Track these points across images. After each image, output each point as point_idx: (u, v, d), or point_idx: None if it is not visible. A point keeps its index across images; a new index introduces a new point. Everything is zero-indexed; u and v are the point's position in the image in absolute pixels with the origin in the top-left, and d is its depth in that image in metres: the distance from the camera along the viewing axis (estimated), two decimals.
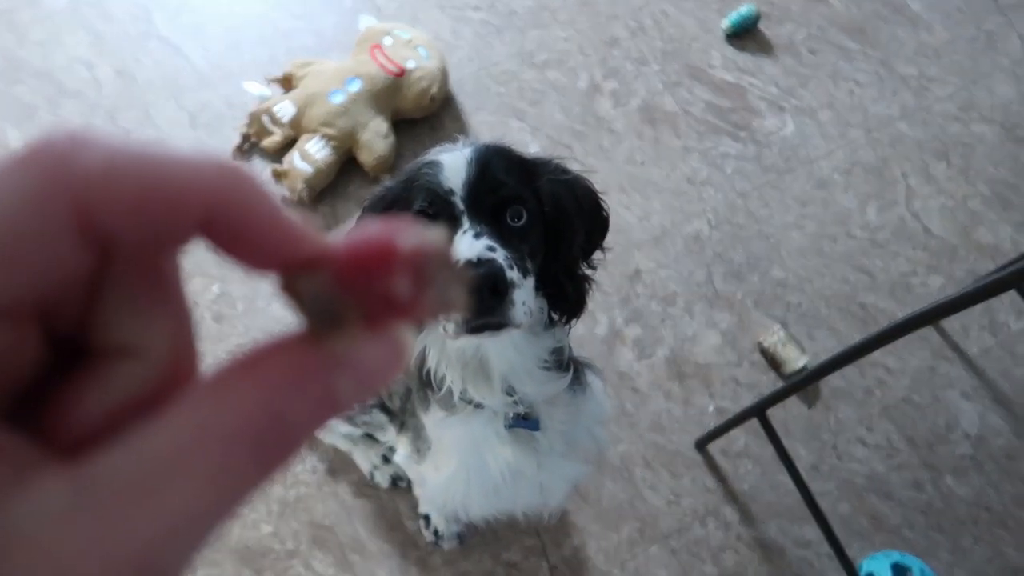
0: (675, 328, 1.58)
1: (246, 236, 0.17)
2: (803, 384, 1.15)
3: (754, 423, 1.32)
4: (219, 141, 1.79)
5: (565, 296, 0.92)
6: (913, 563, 1.29)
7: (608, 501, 1.42)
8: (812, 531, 1.37)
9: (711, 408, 1.50)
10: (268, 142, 1.71)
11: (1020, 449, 1.46)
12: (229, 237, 0.17)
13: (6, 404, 0.16)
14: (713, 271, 1.65)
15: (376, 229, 0.17)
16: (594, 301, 1.58)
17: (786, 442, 1.43)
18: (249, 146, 1.77)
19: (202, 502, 0.15)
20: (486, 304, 0.75)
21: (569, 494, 1.19)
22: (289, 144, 1.71)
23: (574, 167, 0.92)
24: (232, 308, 1.60)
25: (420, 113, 1.75)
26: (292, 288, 0.18)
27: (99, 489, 0.14)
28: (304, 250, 0.18)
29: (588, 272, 0.95)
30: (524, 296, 0.79)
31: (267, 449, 0.16)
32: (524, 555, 1.38)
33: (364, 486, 1.43)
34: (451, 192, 0.81)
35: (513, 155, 0.87)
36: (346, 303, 0.17)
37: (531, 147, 1.78)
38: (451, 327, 0.78)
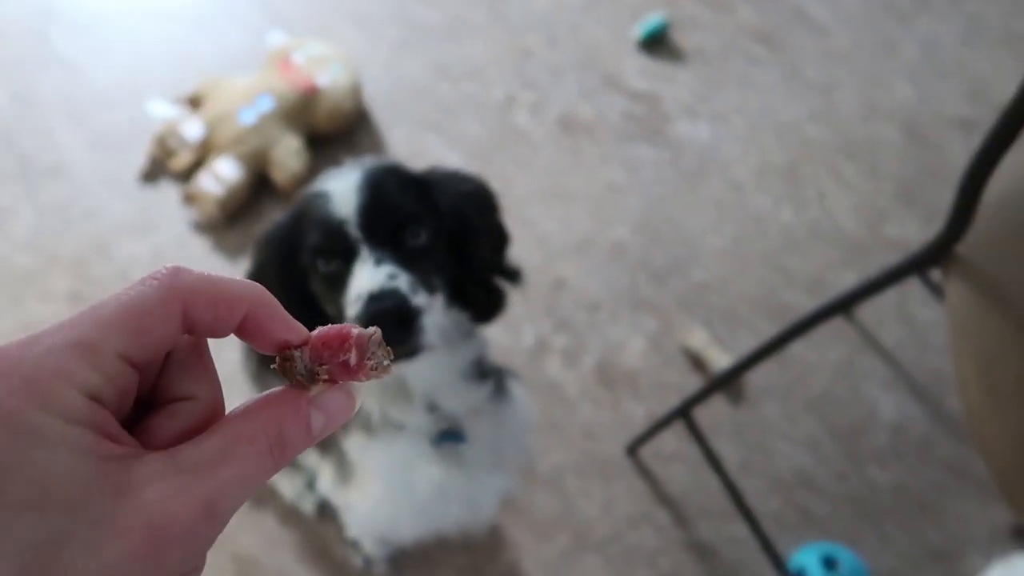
0: (601, 335, 1.58)
1: (263, 331, 0.28)
2: (725, 381, 1.16)
3: (684, 426, 1.33)
4: (124, 164, 1.72)
5: (479, 304, 0.91)
6: (841, 553, 1.31)
7: (541, 513, 1.40)
8: (743, 529, 1.38)
9: (640, 413, 1.50)
10: (176, 163, 1.65)
11: (936, 435, 1.50)
12: (252, 332, 0.28)
13: (123, 418, 0.26)
14: (636, 277, 1.66)
15: (337, 327, 0.28)
16: (519, 312, 1.57)
17: (715, 442, 1.44)
18: (156, 168, 1.71)
19: (241, 474, 0.25)
20: (395, 337, 0.73)
21: (499, 507, 1.17)
22: (198, 165, 1.65)
23: (471, 171, 0.90)
24: None
25: (334, 129, 1.72)
26: (284, 361, 0.28)
27: (183, 463, 0.24)
28: (294, 338, 0.28)
29: (506, 283, 0.94)
30: (433, 318, 0.77)
31: (277, 450, 0.26)
32: (457, 574, 1.35)
33: (289, 514, 1.38)
34: (343, 222, 0.78)
35: (404, 173, 0.85)
36: (317, 369, 0.28)
37: (449, 160, 1.76)
38: None
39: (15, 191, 1.69)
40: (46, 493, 0.22)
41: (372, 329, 0.28)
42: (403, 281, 0.74)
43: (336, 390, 0.28)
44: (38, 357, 0.23)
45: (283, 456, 0.26)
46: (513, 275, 0.95)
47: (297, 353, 0.28)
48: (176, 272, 0.26)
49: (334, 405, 0.28)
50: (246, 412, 0.27)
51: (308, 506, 1.36)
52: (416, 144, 1.79)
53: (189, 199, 1.61)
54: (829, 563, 1.29)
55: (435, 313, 0.78)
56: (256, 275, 0.86)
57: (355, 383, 0.28)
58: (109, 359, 0.24)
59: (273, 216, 1.66)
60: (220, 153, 1.61)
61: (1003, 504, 1.42)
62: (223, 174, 1.58)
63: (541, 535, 1.38)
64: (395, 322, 0.72)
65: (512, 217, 1.69)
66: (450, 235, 0.85)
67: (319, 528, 1.37)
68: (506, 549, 1.37)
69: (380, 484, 1.00)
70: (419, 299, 0.75)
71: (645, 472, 1.45)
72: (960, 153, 1.84)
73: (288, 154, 1.62)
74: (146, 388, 0.28)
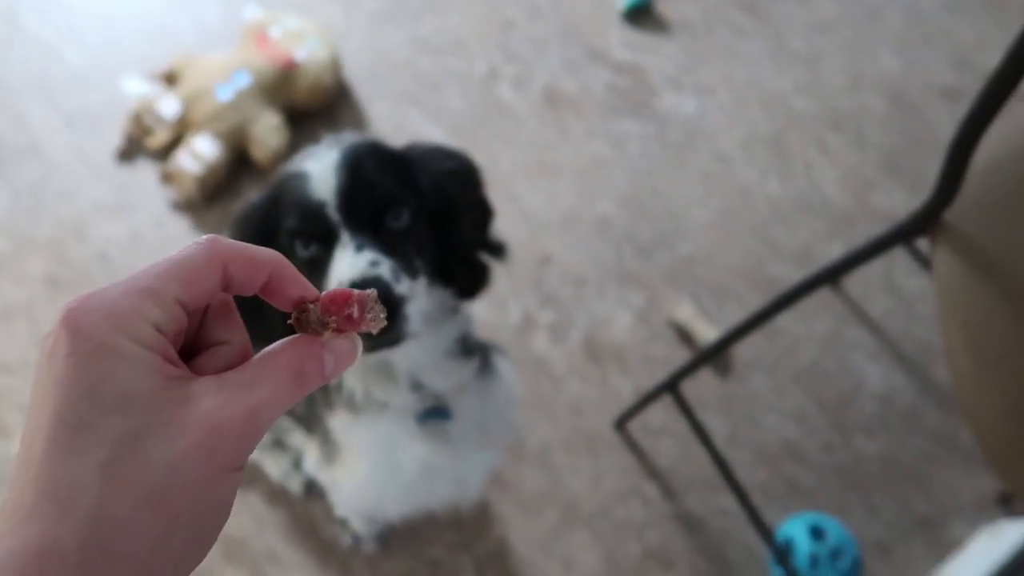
0: (588, 310, 1.57)
1: (283, 290, 0.34)
2: (712, 354, 1.15)
3: (671, 400, 1.32)
4: (99, 143, 1.69)
5: (463, 281, 0.89)
6: (829, 523, 1.31)
7: (529, 489, 1.40)
8: (731, 501, 1.39)
9: (627, 387, 1.50)
10: (152, 141, 1.62)
11: (923, 405, 1.51)
12: (273, 291, 0.34)
13: (178, 351, 0.32)
14: (622, 251, 1.64)
15: (342, 288, 0.34)
16: (505, 288, 1.56)
17: (703, 415, 1.44)
18: (133, 147, 1.68)
19: (274, 394, 0.31)
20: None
21: (486, 484, 1.16)
22: (176, 143, 1.62)
23: (454, 146, 0.88)
24: None
25: (314, 105, 1.69)
26: (300, 314, 0.34)
27: (229, 383, 0.30)
28: (309, 296, 0.34)
29: (491, 258, 0.92)
30: (417, 305, 0.76)
31: (300, 379, 0.32)
32: (447, 551, 1.35)
33: (276, 494, 1.37)
34: (322, 204, 0.75)
35: (384, 151, 0.82)
36: (327, 320, 0.33)
37: (432, 136, 1.74)
38: None
39: None
40: (129, 399, 0.28)
41: (371, 290, 0.34)
42: (385, 268, 0.72)
43: (343, 338, 0.34)
44: (117, 298, 0.29)
45: (304, 385, 0.32)
46: (498, 250, 0.94)
47: (312, 307, 0.33)
48: (216, 238, 0.32)
49: (341, 349, 0.34)
50: (274, 351, 0.33)
51: (295, 486, 1.35)
52: (398, 119, 1.76)
53: (167, 178, 1.58)
54: (816, 533, 1.29)
55: (418, 299, 0.77)
56: None
57: (356, 334, 0.35)
58: (168, 302, 0.30)
59: (253, 194, 1.64)
60: (197, 130, 1.58)
61: (989, 472, 1.43)
62: (201, 152, 1.55)
63: (530, 511, 1.38)
64: None
65: (497, 192, 1.67)
66: (432, 213, 0.82)
67: (307, 508, 1.36)
68: (495, 525, 1.37)
69: (365, 462, 0.99)
70: (402, 287, 0.73)
71: (633, 446, 1.45)
72: (946, 122, 1.83)
73: (267, 131, 1.59)
74: (191, 336, 0.34)
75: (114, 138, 1.68)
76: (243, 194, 1.64)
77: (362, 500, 1.10)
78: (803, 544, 1.28)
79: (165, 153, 1.64)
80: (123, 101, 1.72)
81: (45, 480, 0.27)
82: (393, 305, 0.71)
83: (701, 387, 1.50)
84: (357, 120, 1.75)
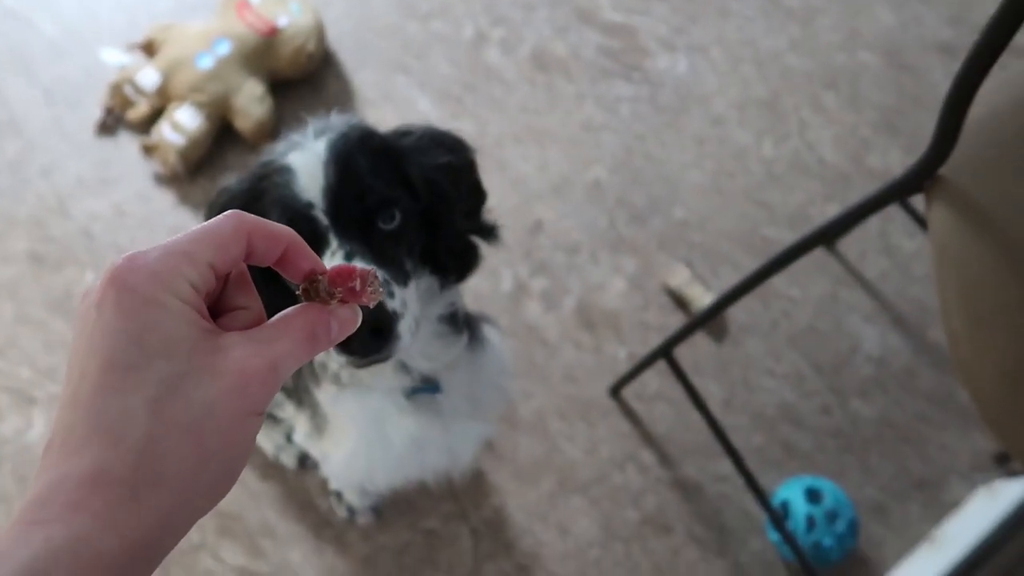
0: (581, 277, 1.56)
1: (296, 262, 0.38)
2: (707, 318, 1.14)
3: (667, 365, 1.31)
4: (79, 117, 1.65)
5: (453, 267, 0.86)
6: (825, 486, 1.31)
7: (525, 457, 1.39)
8: (728, 466, 1.38)
9: (622, 354, 1.48)
10: (133, 114, 1.59)
11: (919, 366, 1.50)
12: (287, 262, 0.38)
13: (207, 311, 0.36)
14: (615, 216, 1.62)
15: (346, 264, 0.38)
16: (497, 257, 1.54)
17: (698, 380, 1.43)
18: (113, 120, 1.64)
19: (292, 349, 0.35)
20: (369, 348, 0.69)
21: (480, 453, 1.15)
22: (157, 115, 1.59)
23: (452, 126, 0.84)
24: None
25: (298, 73, 1.65)
26: (311, 283, 0.37)
27: (253, 338, 0.34)
28: (319, 268, 0.38)
29: (482, 238, 0.90)
30: (408, 317, 0.73)
31: (312, 339, 0.36)
32: (443, 521, 1.34)
33: (269, 468, 1.36)
34: (310, 205, 0.71)
35: (375, 141, 0.77)
36: (334, 291, 0.37)
37: (419, 103, 1.70)
38: (339, 360, 0.73)
39: None
40: (171, 346, 0.32)
41: (372, 267, 0.39)
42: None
43: (346, 307, 0.38)
44: (158, 258, 0.33)
45: (315, 345, 0.36)
46: (489, 232, 0.91)
47: (320, 278, 0.37)
48: (240, 212, 0.36)
49: (345, 316, 0.38)
50: (288, 315, 0.36)
51: (289, 459, 1.34)
52: (385, 86, 1.73)
53: (149, 151, 1.55)
54: (813, 496, 1.29)
55: (410, 310, 0.74)
56: None
57: (357, 305, 0.39)
58: (202, 264, 0.34)
59: (239, 167, 1.61)
60: (179, 102, 1.54)
61: (986, 432, 1.43)
62: (183, 123, 1.52)
63: (525, 479, 1.38)
64: (371, 332, 0.68)
65: (487, 159, 1.64)
66: (424, 207, 0.79)
67: (301, 481, 1.36)
68: (491, 495, 1.37)
69: (354, 435, 0.98)
70: (394, 302, 0.70)
71: (629, 413, 1.44)
72: (943, 78, 1.80)
73: (251, 101, 1.55)
74: (213, 300, 0.37)
75: (94, 111, 1.64)
76: (228, 166, 1.61)
77: (351, 472, 1.09)
78: (799, 507, 1.27)
79: (147, 125, 1.61)
80: (102, 73, 1.68)
81: (96, 415, 0.31)
82: (385, 325, 0.69)
83: (696, 352, 1.49)
84: (343, 88, 1.71)
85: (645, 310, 1.53)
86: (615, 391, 1.44)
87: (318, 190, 0.71)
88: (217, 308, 0.38)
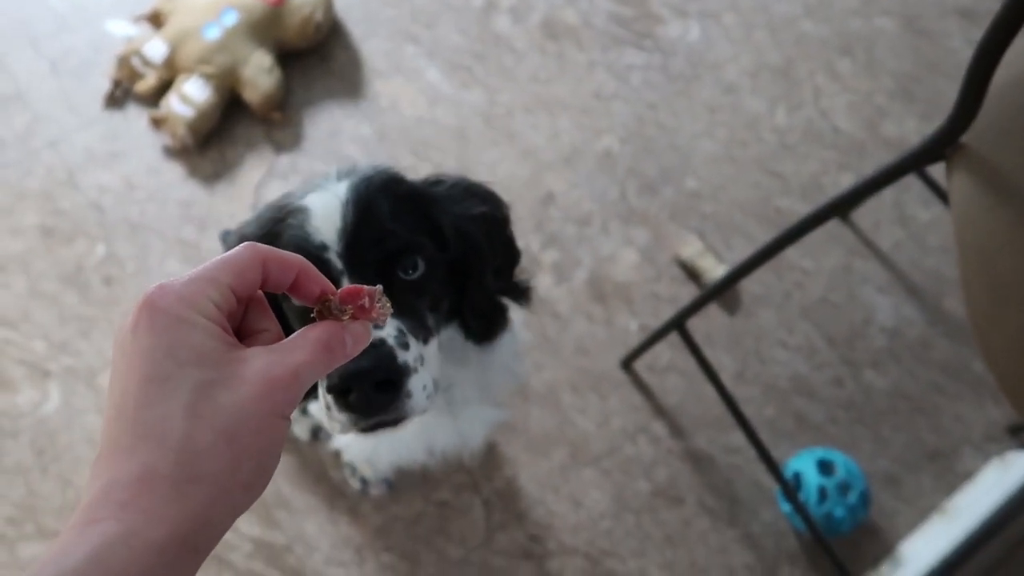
0: (592, 248, 1.55)
1: (307, 288, 0.42)
2: (720, 290, 1.13)
3: (679, 337, 1.30)
4: (87, 89, 1.64)
5: (478, 328, 0.83)
6: (837, 457, 1.31)
7: (537, 429, 1.40)
8: (740, 438, 1.38)
9: (634, 326, 1.48)
10: (141, 86, 1.58)
11: (933, 337, 1.49)
12: (299, 287, 0.42)
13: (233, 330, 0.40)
14: (627, 187, 1.60)
15: (355, 286, 0.42)
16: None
17: (710, 352, 1.43)
18: (121, 92, 1.63)
19: (311, 360, 0.38)
20: (375, 404, 0.63)
21: (489, 435, 1.14)
22: (165, 87, 1.57)
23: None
24: (121, 269, 1.49)
25: (306, 44, 1.64)
26: (324, 303, 0.42)
27: (275, 349, 0.38)
28: (329, 291, 0.42)
29: (512, 300, 0.87)
30: (424, 375, 0.67)
31: (329, 351, 0.39)
32: (456, 492, 1.35)
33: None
34: (324, 247, 0.67)
35: (401, 188, 0.73)
36: (345, 309, 0.41)
37: (429, 72, 1.68)
38: (340, 423, 0.65)
39: None
40: (201, 357, 0.36)
41: (378, 287, 0.42)
42: (390, 330, 0.64)
43: (358, 323, 0.42)
44: (185, 284, 0.37)
45: (332, 357, 0.40)
46: (521, 294, 0.87)
47: (332, 299, 0.41)
48: (255, 243, 0.40)
49: (358, 330, 0.41)
50: (306, 330, 0.40)
51: (302, 432, 1.35)
52: (394, 56, 1.70)
53: (158, 123, 1.54)
54: (825, 467, 1.29)
55: (428, 367, 0.68)
56: None
57: (368, 321, 0.43)
58: (224, 288, 0.38)
59: (249, 138, 1.60)
60: (187, 73, 1.53)
61: (999, 403, 1.42)
62: (191, 95, 1.51)
63: (537, 451, 1.38)
64: (377, 387, 0.63)
65: (496, 129, 1.63)
66: (453, 259, 0.75)
67: (314, 453, 1.36)
68: (503, 466, 1.37)
69: None
70: (408, 355, 0.65)
71: (640, 385, 1.44)
72: (961, 45, 1.76)
73: (259, 72, 1.54)
74: (236, 325, 0.41)
75: (102, 84, 1.63)
76: (237, 139, 1.60)
77: (362, 448, 1.09)
78: (811, 478, 1.27)
79: (155, 98, 1.60)
80: (109, 45, 1.66)
81: (139, 425, 0.35)
82: (396, 379, 0.64)
83: (709, 324, 1.48)
84: (351, 59, 1.70)
85: (657, 282, 1.52)
86: (627, 363, 1.44)
87: (334, 232, 0.68)
88: (240, 332, 0.42)
